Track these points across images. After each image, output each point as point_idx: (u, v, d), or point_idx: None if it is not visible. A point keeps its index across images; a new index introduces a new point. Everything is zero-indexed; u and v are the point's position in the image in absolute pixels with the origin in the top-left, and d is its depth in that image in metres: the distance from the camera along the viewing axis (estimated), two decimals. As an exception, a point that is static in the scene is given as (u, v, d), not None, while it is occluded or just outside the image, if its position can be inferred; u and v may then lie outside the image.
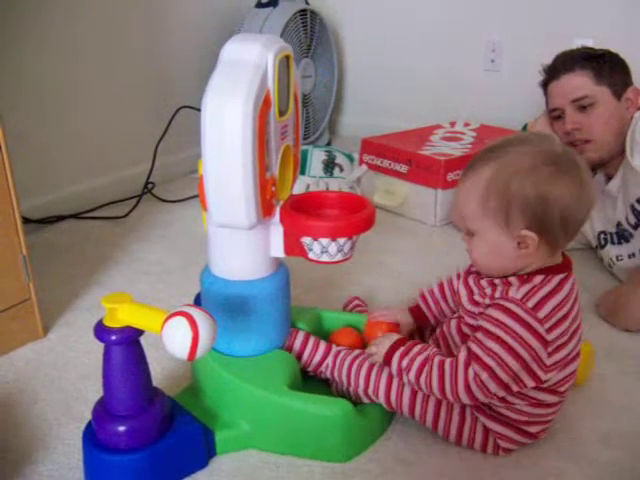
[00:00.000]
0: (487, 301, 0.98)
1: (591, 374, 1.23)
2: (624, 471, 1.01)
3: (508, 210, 0.93)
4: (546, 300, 0.93)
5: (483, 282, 1.00)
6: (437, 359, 0.97)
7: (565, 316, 0.94)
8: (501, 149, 0.96)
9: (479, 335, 0.95)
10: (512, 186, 0.92)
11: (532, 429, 1.02)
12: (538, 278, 0.95)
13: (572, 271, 0.98)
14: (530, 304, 0.92)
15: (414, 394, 1.03)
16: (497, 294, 0.97)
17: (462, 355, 0.95)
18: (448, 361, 0.96)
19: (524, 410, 0.99)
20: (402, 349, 1.01)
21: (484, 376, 0.92)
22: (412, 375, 0.98)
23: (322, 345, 1.14)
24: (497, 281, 0.98)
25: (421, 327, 1.20)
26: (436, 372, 0.96)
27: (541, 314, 0.92)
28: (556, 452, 1.05)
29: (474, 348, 0.94)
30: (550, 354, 0.94)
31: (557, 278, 0.95)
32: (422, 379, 0.97)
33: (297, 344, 1.13)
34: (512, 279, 0.96)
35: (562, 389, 0.99)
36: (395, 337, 1.05)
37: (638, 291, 1.39)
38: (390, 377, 1.04)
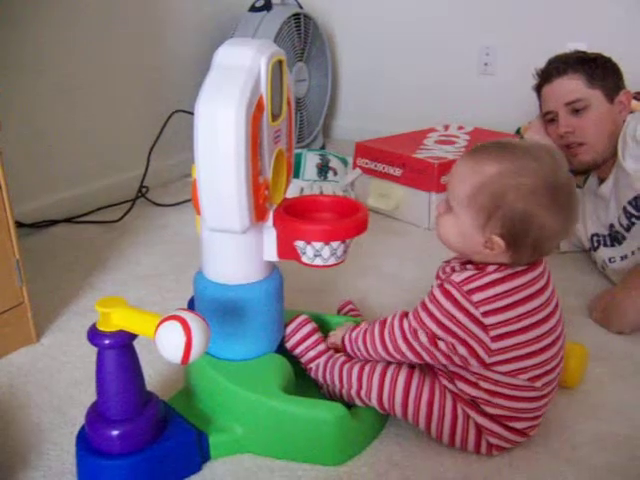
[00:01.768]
0: (438, 282, 1.02)
1: (584, 377, 1.23)
2: (617, 474, 1.02)
3: (492, 213, 0.95)
4: (486, 287, 0.95)
5: (447, 268, 1.04)
6: (377, 324, 1.07)
7: (511, 305, 0.95)
8: (515, 154, 0.96)
9: (418, 307, 1.01)
10: (507, 196, 0.93)
11: (517, 425, 1.02)
12: (491, 267, 0.97)
13: (537, 266, 0.99)
14: (466, 288, 0.95)
15: (406, 394, 1.03)
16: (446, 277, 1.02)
17: (397, 316, 1.04)
18: (387, 321, 1.05)
19: (503, 405, 0.99)
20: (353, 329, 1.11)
21: (418, 328, 0.99)
22: (360, 343, 1.08)
23: (321, 345, 1.15)
24: (457, 267, 1.02)
25: None
26: (377, 330, 1.05)
27: (475, 298, 0.95)
28: (550, 454, 1.05)
29: (409, 316, 1.02)
30: (494, 339, 0.95)
31: (510, 270, 0.97)
32: (368, 342, 1.06)
33: (301, 333, 1.15)
34: (469, 266, 1.00)
35: (528, 376, 0.98)
36: (351, 325, 1.15)
37: (631, 293, 1.40)
38: (382, 378, 1.05)
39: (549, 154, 0.97)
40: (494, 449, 1.03)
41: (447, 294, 0.97)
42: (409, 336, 1.00)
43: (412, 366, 1.06)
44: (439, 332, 0.97)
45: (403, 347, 1.01)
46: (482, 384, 0.99)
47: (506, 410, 1.00)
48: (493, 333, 0.95)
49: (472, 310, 0.95)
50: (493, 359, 0.97)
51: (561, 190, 0.94)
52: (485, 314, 0.94)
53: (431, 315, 0.98)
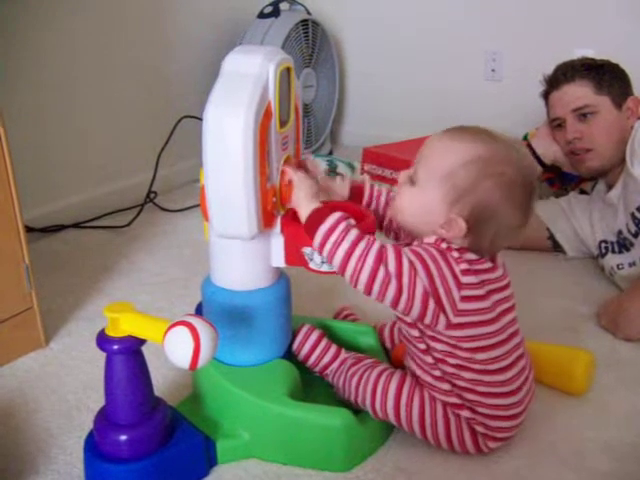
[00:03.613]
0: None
1: (592, 384, 1.23)
2: (625, 481, 1.02)
3: (466, 194, 0.94)
4: (460, 250, 0.96)
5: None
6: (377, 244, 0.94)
7: (481, 271, 0.96)
8: (500, 141, 0.96)
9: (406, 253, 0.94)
10: (487, 181, 0.93)
11: (497, 402, 0.99)
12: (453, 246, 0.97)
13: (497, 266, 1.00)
14: (444, 245, 0.95)
15: (397, 402, 1.03)
16: None
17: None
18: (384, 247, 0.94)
19: (475, 379, 0.98)
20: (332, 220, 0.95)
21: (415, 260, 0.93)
22: (342, 251, 0.94)
23: (332, 348, 1.15)
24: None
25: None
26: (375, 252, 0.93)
27: (454, 254, 0.94)
28: (557, 462, 1.05)
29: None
30: (464, 299, 0.94)
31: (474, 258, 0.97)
32: (353, 259, 0.93)
33: (309, 343, 1.15)
34: None
35: (486, 357, 0.97)
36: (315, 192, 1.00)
37: (639, 300, 1.39)
38: (375, 386, 1.04)
39: (524, 150, 0.99)
40: (490, 442, 1.02)
41: (432, 246, 0.95)
42: (404, 259, 0.92)
43: (404, 374, 1.06)
44: (423, 276, 0.92)
45: (392, 265, 0.92)
46: (450, 360, 0.98)
47: (481, 385, 0.98)
48: (464, 292, 0.94)
49: (452, 263, 0.93)
50: (458, 320, 0.95)
51: (533, 189, 0.95)
52: (463, 272, 0.93)
53: (417, 255, 0.93)
